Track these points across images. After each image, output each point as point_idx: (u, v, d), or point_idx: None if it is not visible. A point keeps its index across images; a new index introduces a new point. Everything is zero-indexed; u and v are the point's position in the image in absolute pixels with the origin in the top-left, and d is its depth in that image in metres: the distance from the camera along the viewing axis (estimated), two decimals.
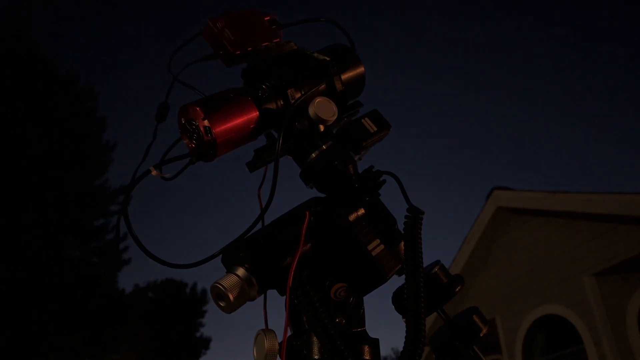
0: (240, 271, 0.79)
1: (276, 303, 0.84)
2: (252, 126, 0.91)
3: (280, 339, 0.79)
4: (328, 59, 1.00)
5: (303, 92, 0.95)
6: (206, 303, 25.50)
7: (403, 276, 0.87)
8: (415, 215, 0.86)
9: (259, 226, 0.87)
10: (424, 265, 0.85)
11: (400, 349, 0.80)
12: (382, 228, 0.89)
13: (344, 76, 1.02)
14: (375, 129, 0.96)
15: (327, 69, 1.00)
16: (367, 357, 0.82)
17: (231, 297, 0.77)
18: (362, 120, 0.97)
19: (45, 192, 14.06)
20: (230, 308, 0.78)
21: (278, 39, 1.02)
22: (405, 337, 0.79)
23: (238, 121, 0.89)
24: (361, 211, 0.89)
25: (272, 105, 0.94)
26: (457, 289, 0.90)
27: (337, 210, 0.88)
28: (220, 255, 0.84)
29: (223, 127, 0.87)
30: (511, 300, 8.49)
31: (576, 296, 7.43)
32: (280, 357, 0.79)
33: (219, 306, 0.80)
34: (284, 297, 0.81)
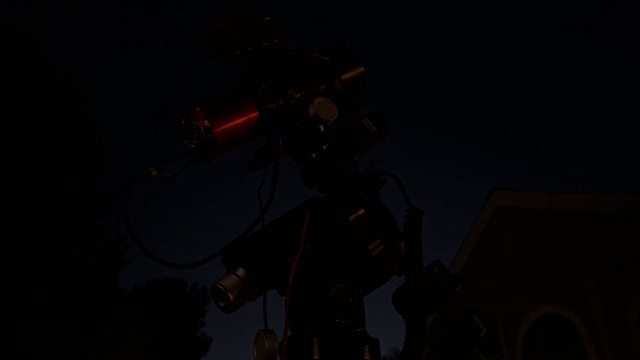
0: (240, 271, 0.79)
1: (276, 303, 0.84)
2: (252, 126, 0.91)
3: (280, 339, 0.80)
4: (328, 59, 1.00)
5: (303, 93, 0.95)
6: (207, 302, 25.50)
7: (403, 276, 0.88)
8: (415, 215, 0.86)
9: (259, 226, 0.87)
10: (424, 265, 0.85)
11: (400, 349, 0.80)
12: (382, 228, 0.89)
13: (344, 76, 1.02)
14: (376, 129, 0.96)
15: (327, 69, 1.00)
16: (367, 357, 0.82)
17: (231, 297, 0.77)
18: (363, 121, 0.97)
19: (45, 192, 14.05)
20: (230, 308, 0.78)
21: (278, 39, 1.02)
22: (405, 337, 0.79)
23: (238, 121, 0.89)
24: (361, 211, 0.89)
25: (272, 106, 0.94)
26: (457, 289, 0.90)
27: (337, 211, 0.88)
28: (221, 256, 0.84)
29: (223, 127, 0.87)
30: (511, 300, 8.49)
31: (576, 296, 7.43)
32: (280, 357, 0.79)
33: (219, 306, 0.80)
34: (284, 297, 0.81)
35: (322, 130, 0.94)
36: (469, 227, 9.44)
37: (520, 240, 8.55)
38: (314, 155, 0.92)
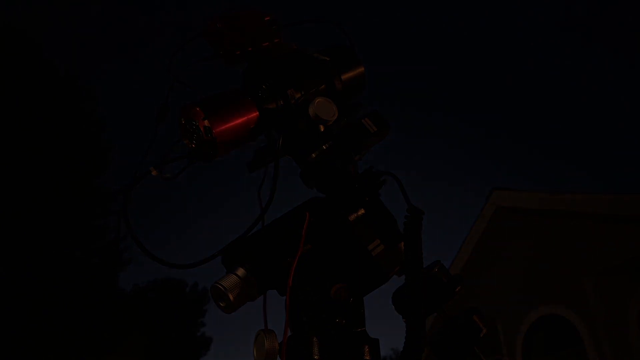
0: (240, 271, 0.79)
1: (276, 303, 0.84)
2: (252, 126, 0.91)
3: (280, 339, 0.80)
4: (328, 59, 1.00)
5: (303, 92, 0.95)
6: (207, 302, 25.47)
7: (403, 276, 0.88)
8: (415, 215, 0.86)
9: (259, 226, 0.87)
10: (424, 265, 0.85)
11: (400, 349, 0.80)
12: (382, 228, 0.89)
13: (344, 76, 1.02)
14: (376, 129, 0.97)
15: (327, 69, 1.00)
16: (367, 357, 0.82)
17: (231, 297, 0.77)
18: (363, 121, 0.97)
19: (45, 192, 14.05)
20: (230, 308, 0.78)
21: (278, 39, 1.02)
22: (405, 338, 0.80)
23: (238, 121, 0.89)
24: (361, 211, 0.89)
25: (272, 106, 0.94)
26: (457, 289, 0.90)
27: (337, 211, 0.88)
28: (221, 256, 0.84)
29: (223, 127, 0.87)
30: (511, 300, 8.48)
31: (576, 296, 7.43)
32: (280, 357, 0.79)
33: (219, 306, 0.80)
34: (284, 297, 0.81)
35: (322, 130, 0.94)
36: (469, 227, 9.45)
37: (520, 240, 8.55)
38: (314, 155, 0.93)
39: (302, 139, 0.94)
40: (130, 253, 16.33)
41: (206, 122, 0.87)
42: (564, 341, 7.84)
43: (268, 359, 0.77)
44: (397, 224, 0.91)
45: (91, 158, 15.79)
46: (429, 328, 0.82)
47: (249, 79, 1.00)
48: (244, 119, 0.90)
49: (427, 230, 0.86)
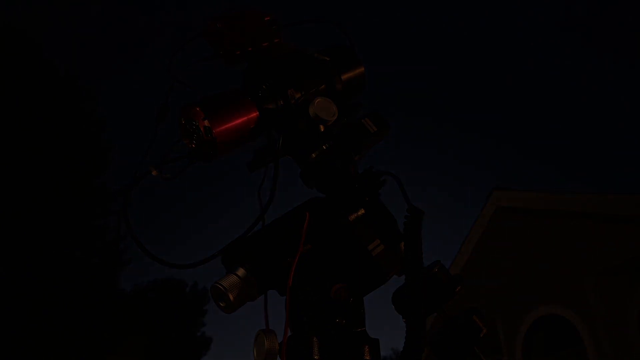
0: (240, 271, 0.79)
1: (276, 303, 0.84)
2: (252, 126, 0.91)
3: (280, 339, 0.80)
4: (328, 59, 1.00)
5: (303, 93, 0.95)
6: (207, 302, 25.44)
7: (403, 276, 0.88)
8: (415, 215, 0.86)
9: (259, 226, 0.87)
10: (424, 265, 0.85)
11: (400, 349, 0.80)
12: (382, 228, 0.89)
13: (344, 76, 1.02)
14: (376, 129, 0.97)
15: (327, 69, 1.00)
16: (367, 357, 0.82)
17: (231, 297, 0.77)
18: (363, 121, 0.97)
19: (45, 192, 14.05)
20: (230, 308, 0.79)
21: (278, 39, 1.02)
22: (405, 338, 0.80)
23: (238, 121, 0.89)
24: (361, 211, 0.89)
25: (272, 106, 0.94)
26: (457, 289, 0.90)
27: (337, 211, 0.88)
28: (221, 256, 0.84)
29: (223, 127, 0.87)
30: (511, 300, 8.49)
31: (576, 296, 7.43)
32: (280, 357, 0.79)
33: (219, 306, 0.80)
34: (284, 297, 0.81)
35: (322, 130, 0.94)
36: (469, 227, 9.45)
37: (520, 240, 8.55)
38: (314, 155, 0.93)
39: (302, 139, 0.94)
40: (130, 253, 16.33)
41: (206, 122, 0.87)
42: (564, 341, 7.84)
43: (268, 359, 0.77)
44: (397, 224, 0.91)
45: (91, 158, 15.78)
46: (429, 328, 0.82)
47: (249, 79, 1.00)
48: (244, 119, 0.90)
49: (427, 231, 0.86)
